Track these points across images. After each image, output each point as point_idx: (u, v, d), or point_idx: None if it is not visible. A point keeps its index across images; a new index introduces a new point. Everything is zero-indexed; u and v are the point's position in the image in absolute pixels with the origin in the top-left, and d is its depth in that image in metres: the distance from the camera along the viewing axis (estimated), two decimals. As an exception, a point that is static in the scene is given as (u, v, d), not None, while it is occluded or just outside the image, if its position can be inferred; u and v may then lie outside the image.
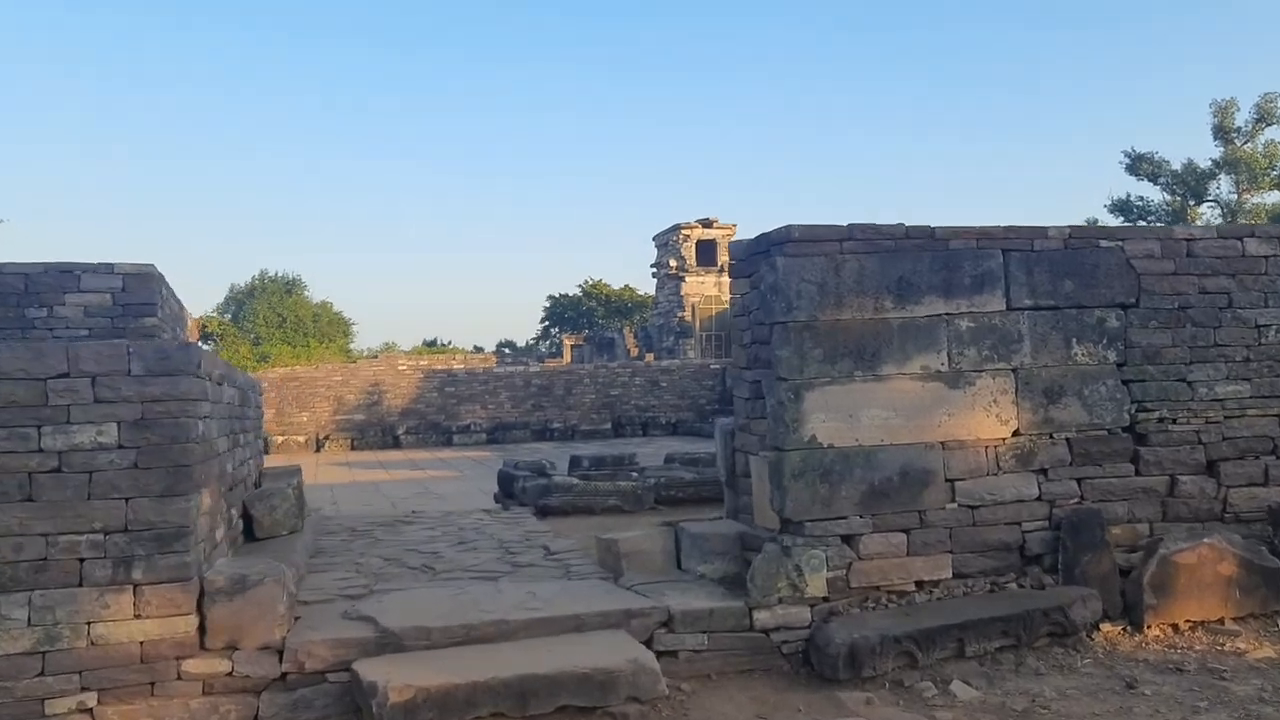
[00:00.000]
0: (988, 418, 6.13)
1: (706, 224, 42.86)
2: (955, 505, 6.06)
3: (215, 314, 45.09)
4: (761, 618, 5.71)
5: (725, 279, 42.56)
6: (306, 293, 46.09)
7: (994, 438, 6.14)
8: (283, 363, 31.92)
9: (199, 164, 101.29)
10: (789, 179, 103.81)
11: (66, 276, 8.98)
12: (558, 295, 57.24)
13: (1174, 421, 6.36)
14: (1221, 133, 37.65)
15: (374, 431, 26.73)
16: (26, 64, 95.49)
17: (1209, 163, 37.78)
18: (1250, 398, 6.46)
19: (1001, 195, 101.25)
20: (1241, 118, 37.44)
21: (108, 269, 9.06)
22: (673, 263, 42.60)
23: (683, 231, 42.60)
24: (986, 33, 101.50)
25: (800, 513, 5.85)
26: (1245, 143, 37.43)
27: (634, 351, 42.01)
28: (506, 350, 48.99)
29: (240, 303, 46.35)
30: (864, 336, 5.99)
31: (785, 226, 6.00)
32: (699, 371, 29.38)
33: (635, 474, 11.11)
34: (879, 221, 6.10)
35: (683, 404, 28.72)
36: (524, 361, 42.86)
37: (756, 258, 6.33)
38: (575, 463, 11.86)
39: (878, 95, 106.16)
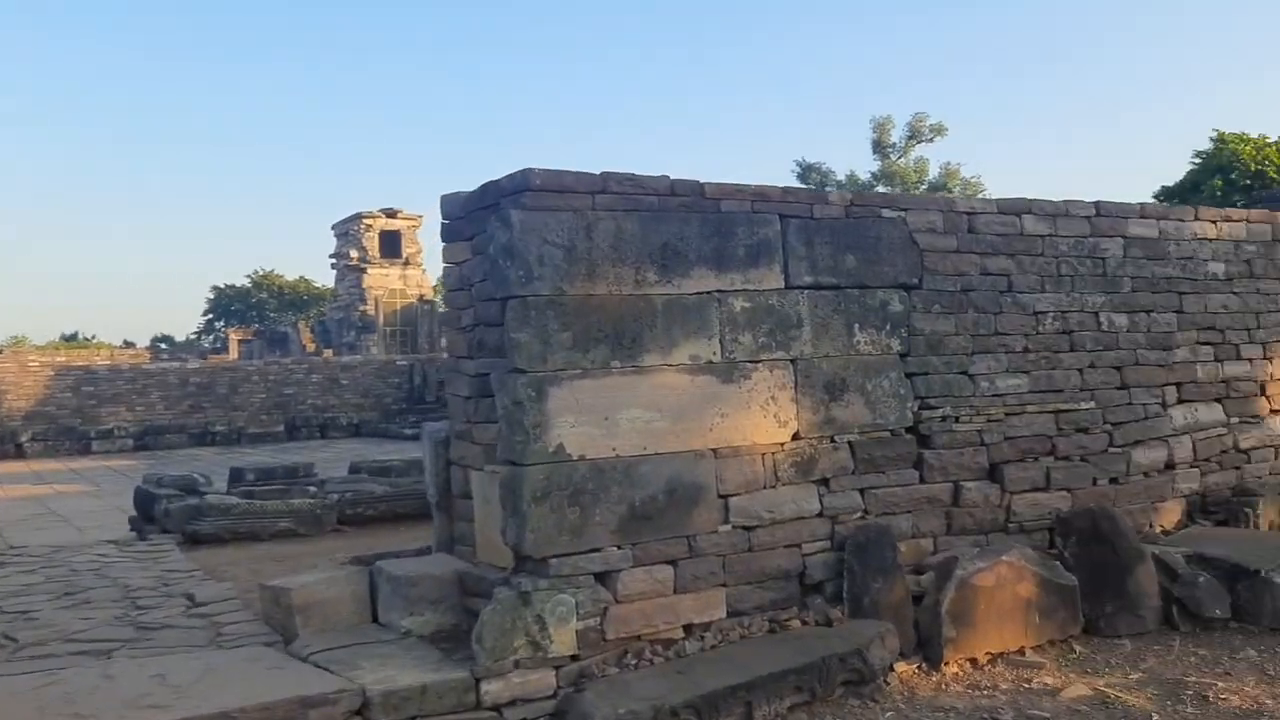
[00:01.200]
0: (765, 418, 4.98)
1: (390, 214, 40.39)
2: (729, 527, 4.85)
3: None
4: (493, 690, 4.21)
5: (410, 271, 40.32)
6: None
7: (772, 443, 4.99)
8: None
9: None
10: (478, 171, 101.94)
11: None
12: (224, 286, 52.35)
13: (957, 420, 5.51)
14: (879, 147, 40.24)
15: (-10, 439, 22.41)
16: None
17: (868, 175, 40.25)
18: (1029, 392, 5.74)
19: None
20: (897, 134, 40.22)
21: None
22: (354, 253, 39.77)
23: (364, 221, 39.88)
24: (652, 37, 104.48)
25: (544, 546, 4.41)
26: (899, 157, 40.19)
27: (310, 347, 38.83)
28: (164, 346, 43.97)
29: None
30: (623, 317, 4.64)
31: (523, 171, 4.53)
32: (384, 368, 27.18)
33: (314, 488, 9.22)
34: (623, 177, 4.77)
35: (366, 403, 26.41)
36: (182, 357, 38.44)
37: (482, 214, 4.82)
38: (237, 476, 9.76)
39: (558, 81, 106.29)
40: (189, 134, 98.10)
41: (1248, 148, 28.03)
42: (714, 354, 4.86)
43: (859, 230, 5.30)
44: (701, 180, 4.91)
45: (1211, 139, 30.76)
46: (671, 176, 4.83)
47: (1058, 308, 5.86)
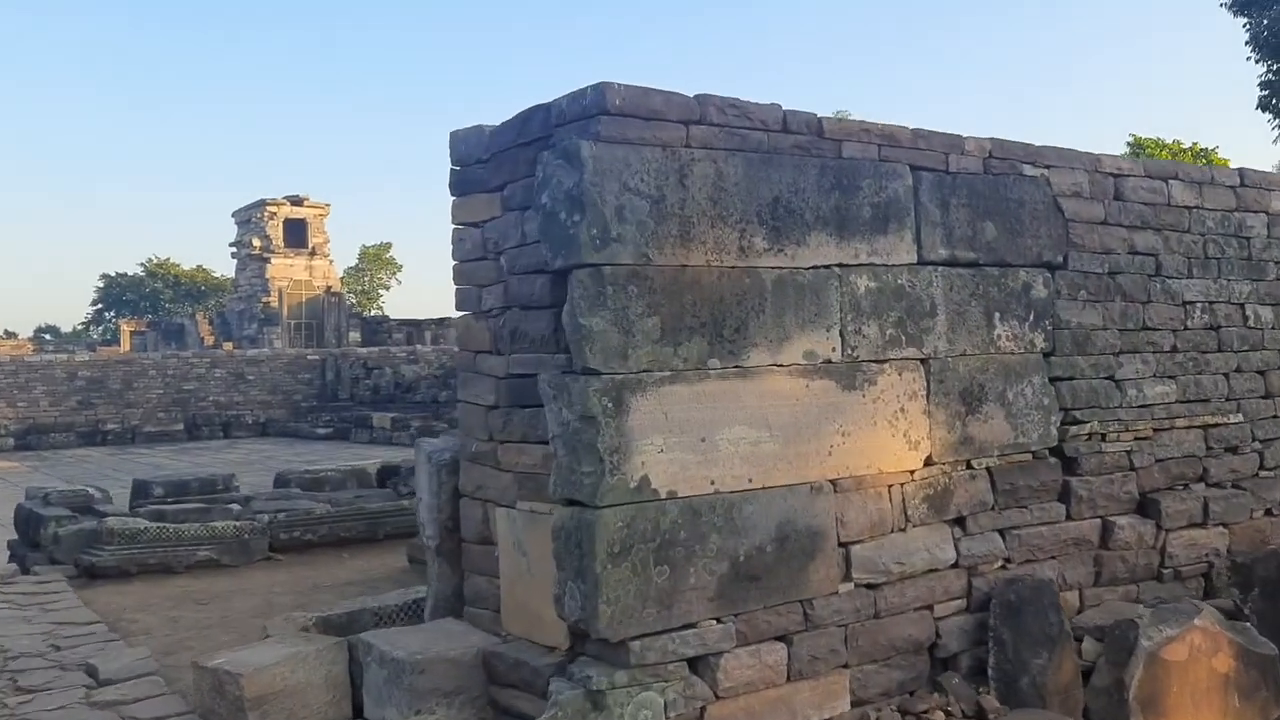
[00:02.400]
0: (893, 437, 3.66)
1: (296, 201, 38.13)
2: (851, 586, 3.53)
3: None
4: (557, 844, 2.82)
5: (317, 262, 38.06)
6: None
7: (901, 470, 3.68)
8: None
9: None
10: (398, 162, 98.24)
11: None
12: (114, 275, 48.97)
13: (1104, 438, 4.29)
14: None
15: None
16: None
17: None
18: (1177, 402, 4.55)
19: None
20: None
21: None
22: (256, 242, 37.39)
23: (268, 208, 37.55)
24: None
25: (624, 623, 3.02)
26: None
27: (209, 340, 36.33)
28: (48, 336, 40.75)
29: None
30: (723, 298, 3.27)
31: (598, 87, 3.12)
32: (294, 363, 25.15)
33: (237, 506, 7.59)
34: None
35: (274, 400, 24.36)
36: (70, 349, 35.46)
37: (521, 153, 3.41)
38: (142, 490, 8.06)
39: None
40: (75, 103, 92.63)
41: (1164, 153, 28.07)
42: (833, 350, 3.53)
43: (999, 191, 4.02)
44: (817, 114, 3.57)
45: (1129, 144, 30.82)
46: (783, 106, 3.49)
47: (1205, 297, 4.69)
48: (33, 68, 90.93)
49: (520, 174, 3.42)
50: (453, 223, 3.82)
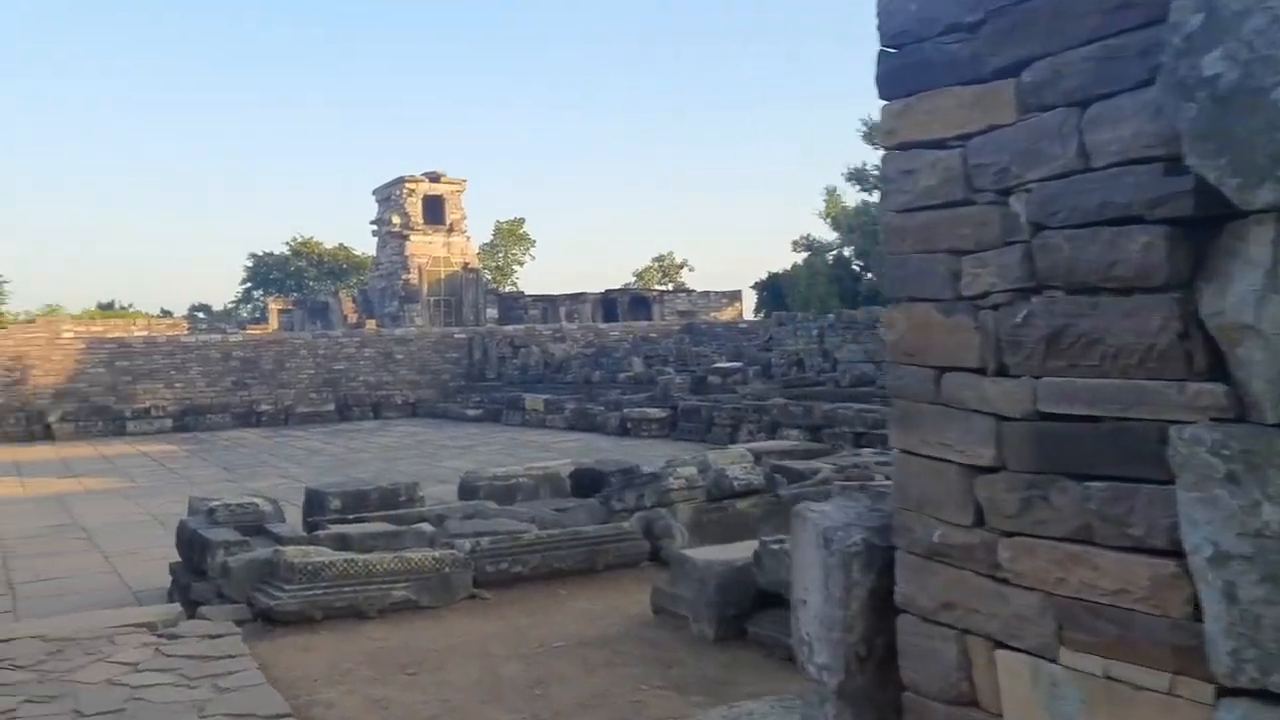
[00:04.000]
0: None
1: (434, 178, 37.41)
2: None
3: None
4: None
5: (455, 238, 37.30)
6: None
7: None
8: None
9: None
10: (532, 138, 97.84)
11: None
12: (261, 254, 49.36)
13: None
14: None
15: (15, 419, 19.57)
16: None
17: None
18: None
19: (750, 162, 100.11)
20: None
21: None
22: (396, 220, 36.83)
23: (407, 185, 36.92)
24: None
25: None
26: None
27: (352, 318, 35.99)
28: (201, 315, 41.18)
29: None
30: None
31: None
32: (441, 341, 24.14)
33: (428, 525, 6.20)
34: None
35: (422, 380, 23.42)
36: (222, 328, 35.55)
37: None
38: (316, 502, 6.77)
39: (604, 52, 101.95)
40: (225, 96, 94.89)
41: None
42: None
43: None
44: None
45: None
46: None
47: None
48: (191, 61, 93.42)
49: (1078, 37, 1.76)
50: (884, 144, 2.18)
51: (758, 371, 17.77)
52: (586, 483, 7.90)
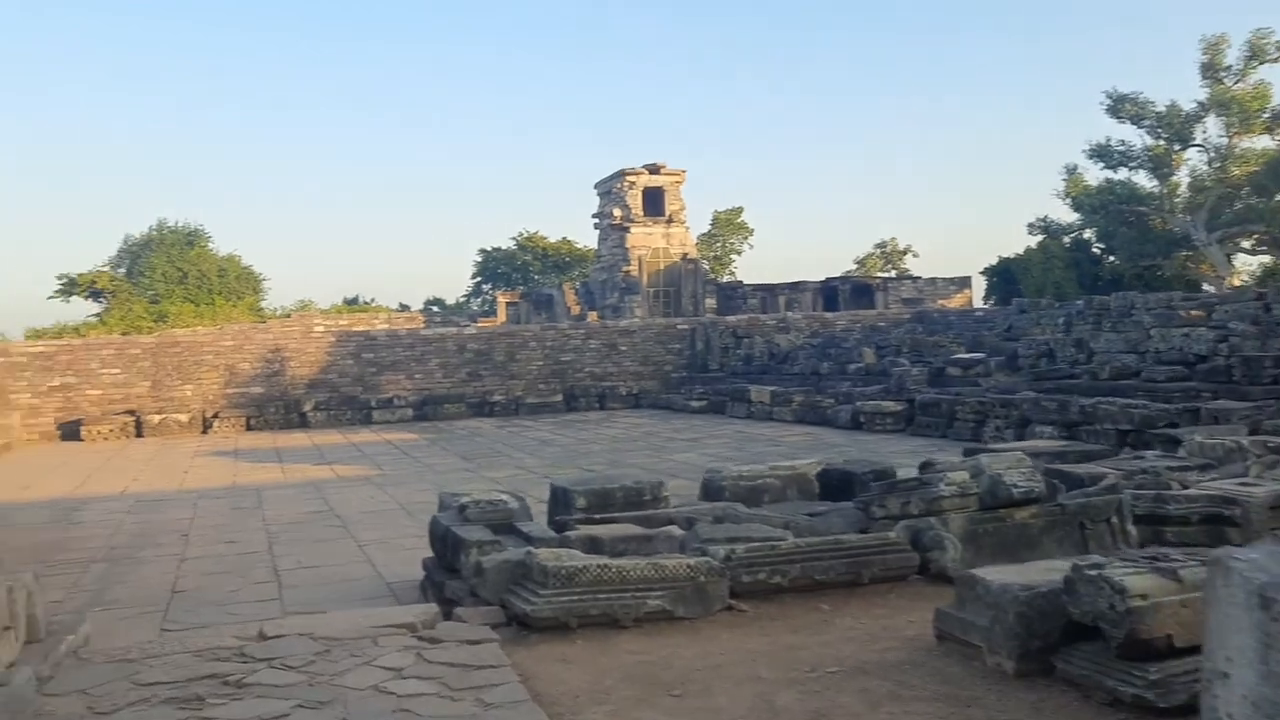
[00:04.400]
0: None
1: (654, 170, 37.60)
2: None
3: (107, 268, 38.32)
4: None
5: (674, 229, 37.35)
6: (211, 245, 39.45)
7: None
8: (183, 322, 25.99)
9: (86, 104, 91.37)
10: (743, 130, 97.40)
11: None
12: (490, 249, 51.30)
13: None
14: (1211, 71, 33.42)
15: (275, 408, 21.00)
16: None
17: (1194, 104, 33.56)
18: None
19: (980, 140, 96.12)
20: (1233, 55, 33.24)
21: None
22: (617, 212, 37.30)
23: (628, 178, 37.29)
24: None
25: None
26: (1236, 82, 33.23)
27: (575, 309, 36.74)
28: (435, 309, 43.18)
29: (135, 256, 39.51)
30: None
31: None
32: (664, 333, 24.10)
33: (677, 528, 5.90)
34: None
35: (645, 371, 23.46)
36: (455, 321, 37.10)
37: None
38: (562, 500, 6.61)
39: (841, 45, 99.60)
40: (455, 101, 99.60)
41: None
42: None
43: None
44: None
45: None
46: None
47: None
48: (424, 69, 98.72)
49: None
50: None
51: (1000, 363, 16.59)
52: (836, 484, 7.39)
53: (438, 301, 50.24)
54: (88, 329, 22.95)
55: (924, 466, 7.64)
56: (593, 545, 5.52)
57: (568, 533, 5.77)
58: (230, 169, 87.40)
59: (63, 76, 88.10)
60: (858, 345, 20.39)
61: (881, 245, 51.60)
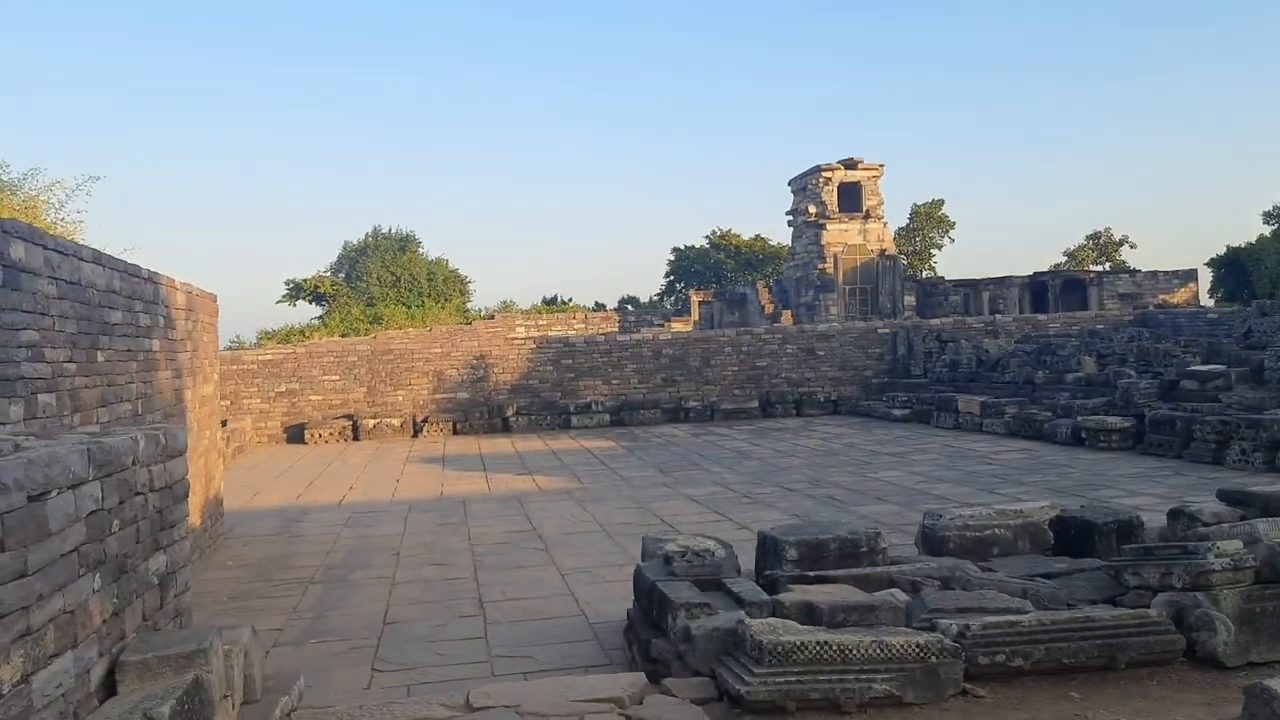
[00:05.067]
0: None
1: (850, 165, 36.48)
2: None
3: (328, 273, 40.76)
4: None
5: (871, 225, 36.13)
6: (421, 250, 41.30)
7: None
8: (396, 324, 27.18)
9: (310, 121, 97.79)
10: (942, 120, 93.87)
11: None
12: (683, 247, 51.33)
13: None
14: None
15: (479, 412, 21.56)
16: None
17: None
18: None
19: (1207, 122, 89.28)
20: None
21: None
22: (811, 209, 36.40)
23: (823, 174, 36.33)
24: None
25: None
26: None
27: (769, 308, 36.14)
28: (629, 307, 43.53)
29: (353, 261, 41.86)
30: None
31: None
32: (863, 336, 23.23)
33: (902, 593, 5.38)
34: None
35: (844, 377, 22.68)
36: (649, 319, 37.23)
37: None
38: (771, 550, 6.21)
39: (1036, 34, 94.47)
40: (648, 102, 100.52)
41: None
42: None
43: None
44: None
45: None
46: None
47: None
48: (621, 72, 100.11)
49: None
50: None
51: (1242, 374, 14.92)
52: (1072, 534, 6.67)
53: (632, 300, 50.71)
54: (311, 330, 24.27)
55: (1173, 515, 6.79)
56: (809, 613, 5.09)
57: (780, 595, 5.36)
58: (438, 178, 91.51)
59: (287, 109, 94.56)
60: (1075, 352, 18.93)
61: (1095, 236, 48.22)
